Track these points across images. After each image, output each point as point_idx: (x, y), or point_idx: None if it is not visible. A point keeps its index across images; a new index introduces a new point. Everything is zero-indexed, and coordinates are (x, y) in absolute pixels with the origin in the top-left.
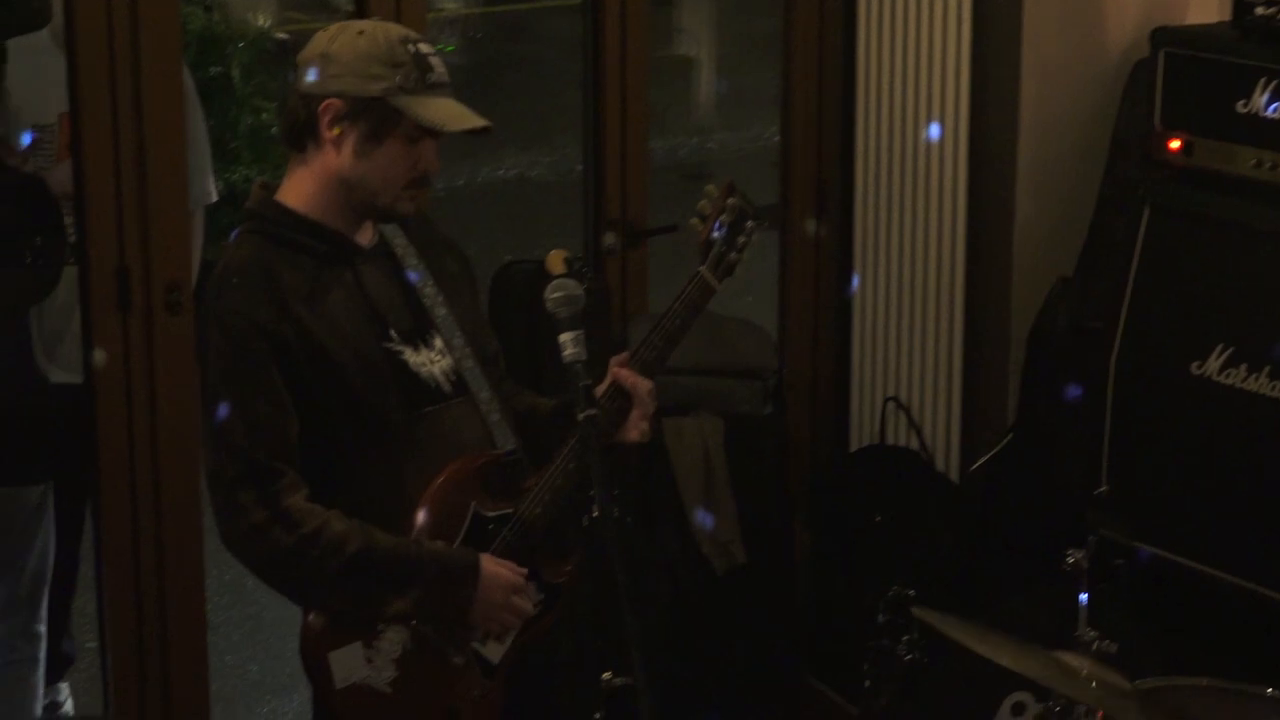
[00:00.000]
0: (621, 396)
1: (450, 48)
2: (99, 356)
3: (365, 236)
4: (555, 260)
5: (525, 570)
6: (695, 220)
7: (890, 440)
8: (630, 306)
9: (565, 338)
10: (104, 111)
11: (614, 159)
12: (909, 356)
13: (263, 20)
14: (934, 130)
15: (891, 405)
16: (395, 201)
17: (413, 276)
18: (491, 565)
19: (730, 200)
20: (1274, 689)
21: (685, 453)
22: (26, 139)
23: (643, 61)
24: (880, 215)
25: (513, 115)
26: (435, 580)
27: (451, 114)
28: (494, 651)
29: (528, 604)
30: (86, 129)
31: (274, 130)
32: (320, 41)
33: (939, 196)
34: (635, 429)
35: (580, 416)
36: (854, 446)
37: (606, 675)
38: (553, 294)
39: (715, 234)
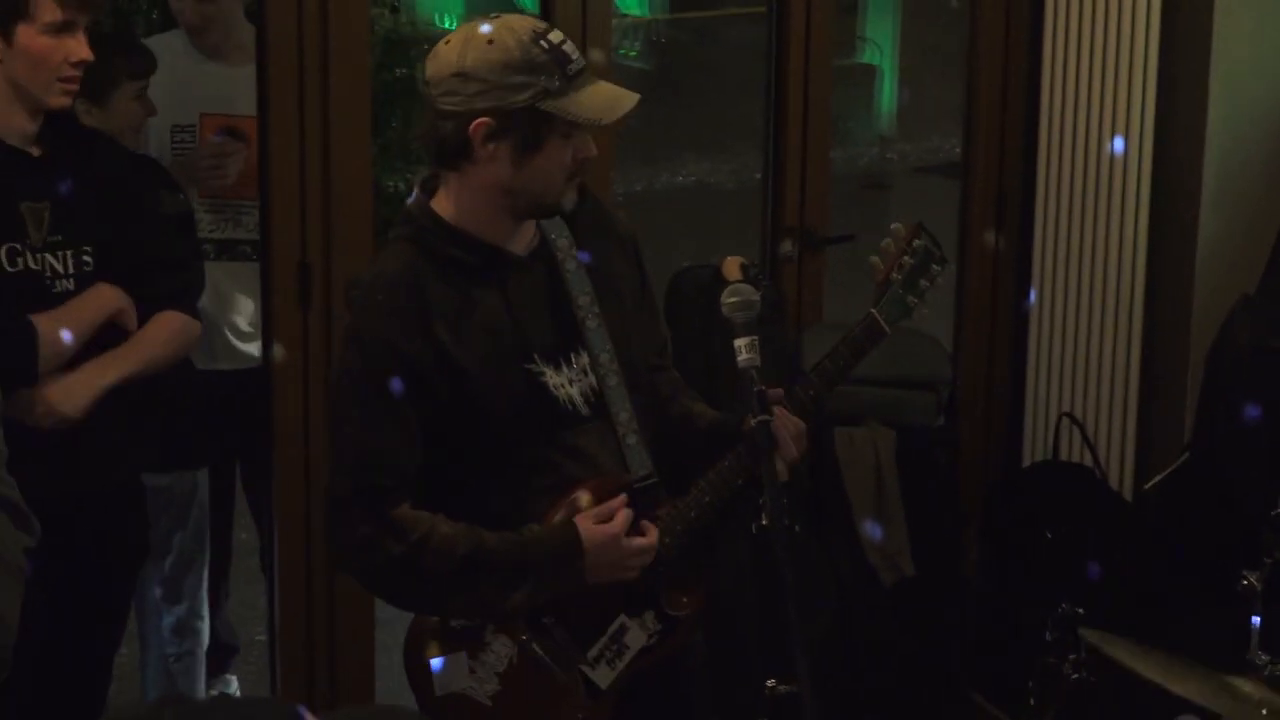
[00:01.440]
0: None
1: (633, 53)
2: (279, 351)
3: (523, 241)
4: (732, 266)
5: (625, 509)
6: (875, 259)
7: (1064, 456)
8: (805, 314)
9: (740, 343)
10: (291, 110)
11: (794, 166)
12: (1085, 372)
13: (448, 22)
14: (1118, 144)
15: (1066, 421)
16: (559, 197)
17: (568, 284)
18: (590, 525)
19: (917, 242)
20: None
21: (856, 462)
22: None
23: (825, 69)
24: (1060, 229)
25: (694, 122)
26: (544, 561)
27: (603, 102)
28: (603, 676)
29: (647, 542)
30: (274, 128)
31: None
32: (449, 58)
33: (1120, 211)
34: (783, 448)
35: (753, 421)
36: (1026, 462)
37: (771, 682)
38: (729, 299)
39: (895, 275)
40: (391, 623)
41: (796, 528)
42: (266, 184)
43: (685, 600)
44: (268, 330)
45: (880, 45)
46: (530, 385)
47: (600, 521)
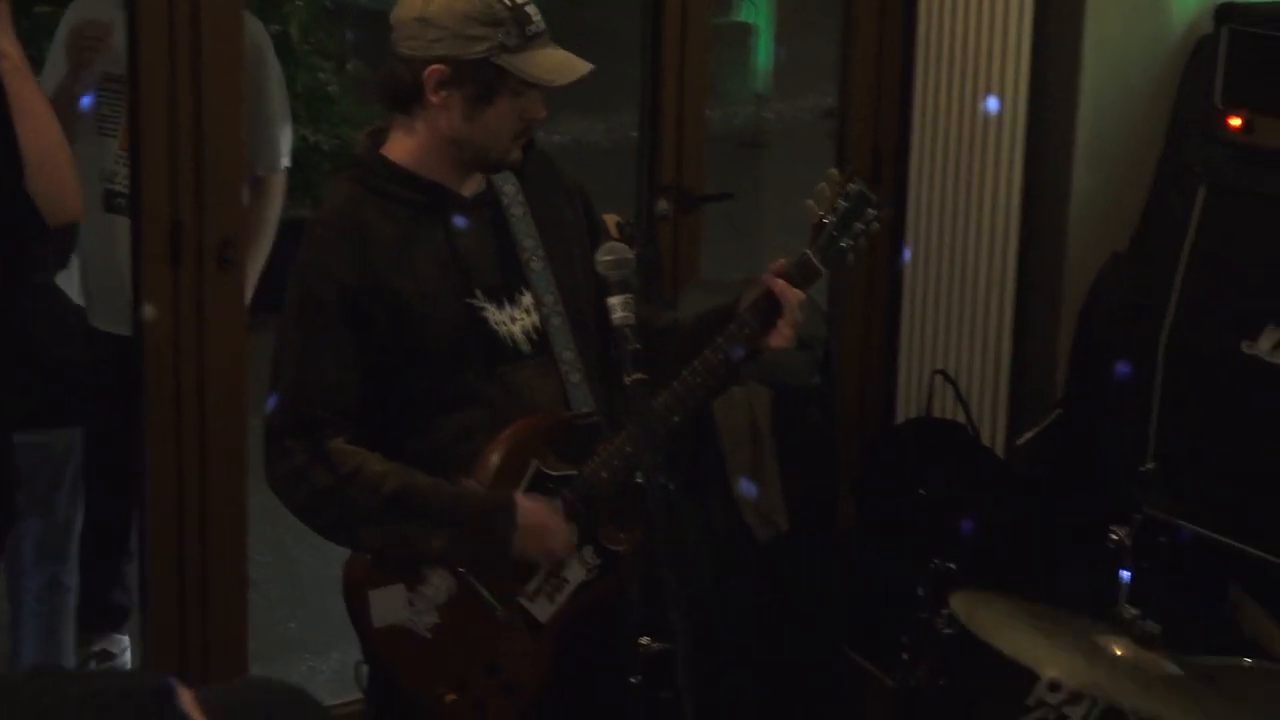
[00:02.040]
0: (771, 303)
1: None
2: (149, 311)
3: (470, 186)
4: (608, 224)
5: (564, 510)
6: (810, 202)
7: (937, 413)
8: (682, 273)
9: (614, 301)
10: (161, 66)
11: (670, 125)
12: (958, 329)
13: None
14: (992, 103)
15: (939, 378)
16: (505, 154)
17: (513, 227)
18: (528, 502)
19: (851, 186)
20: None
21: (733, 422)
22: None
23: (702, 27)
24: (934, 187)
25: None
26: (472, 517)
27: (556, 65)
28: (542, 610)
29: (570, 539)
30: (144, 83)
31: (330, 89)
32: (415, 3)
33: (995, 170)
34: (781, 335)
35: (628, 381)
36: (900, 419)
37: (645, 640)
38: (603, 257)
39: (829, 218)
40: (265, 583)
41: (672, 486)
42: (137, 139)
43: (623, 536)
44: (138, 289)
45: (756, 3)
46: (470, 318)
47: (541, 505)
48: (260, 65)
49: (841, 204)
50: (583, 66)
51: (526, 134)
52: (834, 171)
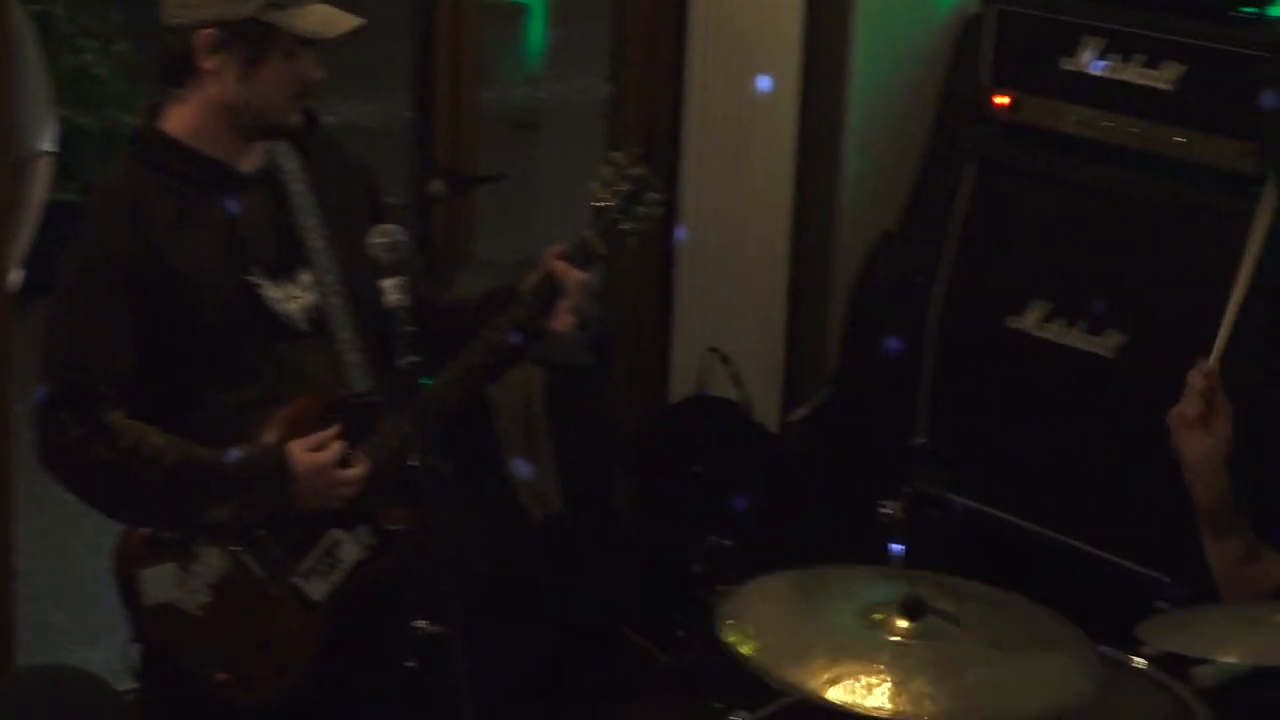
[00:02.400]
0: (553, 285)
1: None
2: None
3: (250, 161)
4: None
5: (338, 440)
6: (596, 185)
7: (711, 391)
8: (457, 254)
9: (388, 283)
10: None
11: (443, 106)
12: (731, 308)
13: None
14: (764, 83)
15: (713, 356)
16: (284, 116)
17: (294, 205)
18: (300, 452)
19: (634, 170)
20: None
21: (507, 402)
22: None
23: (474, 7)
24: (707, 167)
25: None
26: (251, 480)
27: (327, 19)
28: (317, 588)
29: (356, 473)
30: None
31: (96, 71)
32: None
33: (767, 149)
34: (561, 320)
35: (401, 364)
36: (675, 397)
37: (421, 623)
38: (376, 239)
39: (612, 201)
40: (33, 574)
41: (446, 468)
42: None
43: (401, 516)
44: None
45: None
46: (247, 295)
47: (313, 449)
48: (18, 46)
49: (624, 187)
50: (353, 20)
51: (304, 97)
52: (617, 154)
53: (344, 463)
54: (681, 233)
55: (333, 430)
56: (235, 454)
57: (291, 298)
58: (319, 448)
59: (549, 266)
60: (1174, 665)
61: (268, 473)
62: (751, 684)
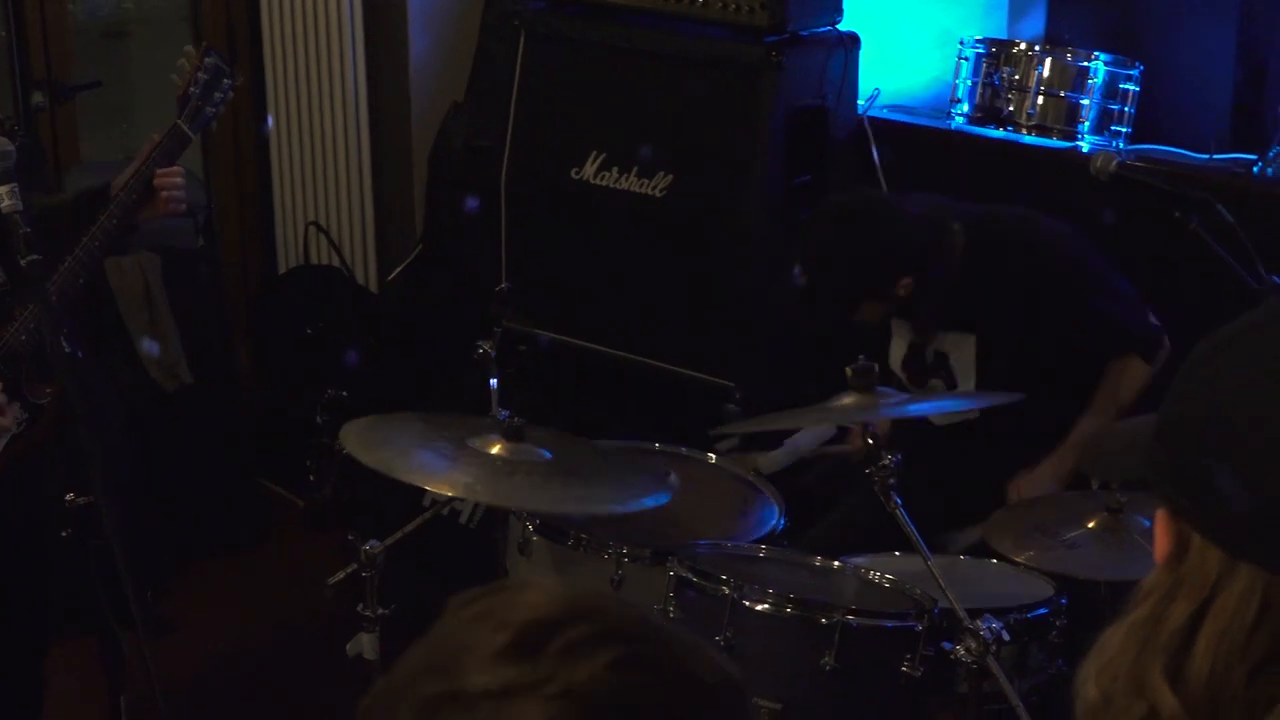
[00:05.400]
0: (149, 176)
1: None
2: None
3: None
4: None
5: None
6: (175, 77)
7: (314, 261)
8: (64, 159)
9: (2, 190)
10: None
11: (35, 19)
12: (325, 184)
13: None
14: None
15: (314, 229)
16: None
17: None
18: None
19: (208, 60)
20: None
21: (127, 288)
22: None
23: None
24: (288, 59)
25: None
26: None
27: None
28: None
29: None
30: None
31: None
32: None
33: (339, 37)
34: (161, 205)
35: (24, 262)
36: (282, 269)
37: (70, 496)
38: None
39: (193, 89)
40: None
41: (78, 352)
42: None
43: (47, 390)
44: None
45: None
46: None
47: None
48: None
49: (202, 76)
50: None
51: None
52: (190, 49)
53: None
54: (271, 121)
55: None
56: None
57: None
58: None
59: (144, 157)
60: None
61: None
62: (381, 517)
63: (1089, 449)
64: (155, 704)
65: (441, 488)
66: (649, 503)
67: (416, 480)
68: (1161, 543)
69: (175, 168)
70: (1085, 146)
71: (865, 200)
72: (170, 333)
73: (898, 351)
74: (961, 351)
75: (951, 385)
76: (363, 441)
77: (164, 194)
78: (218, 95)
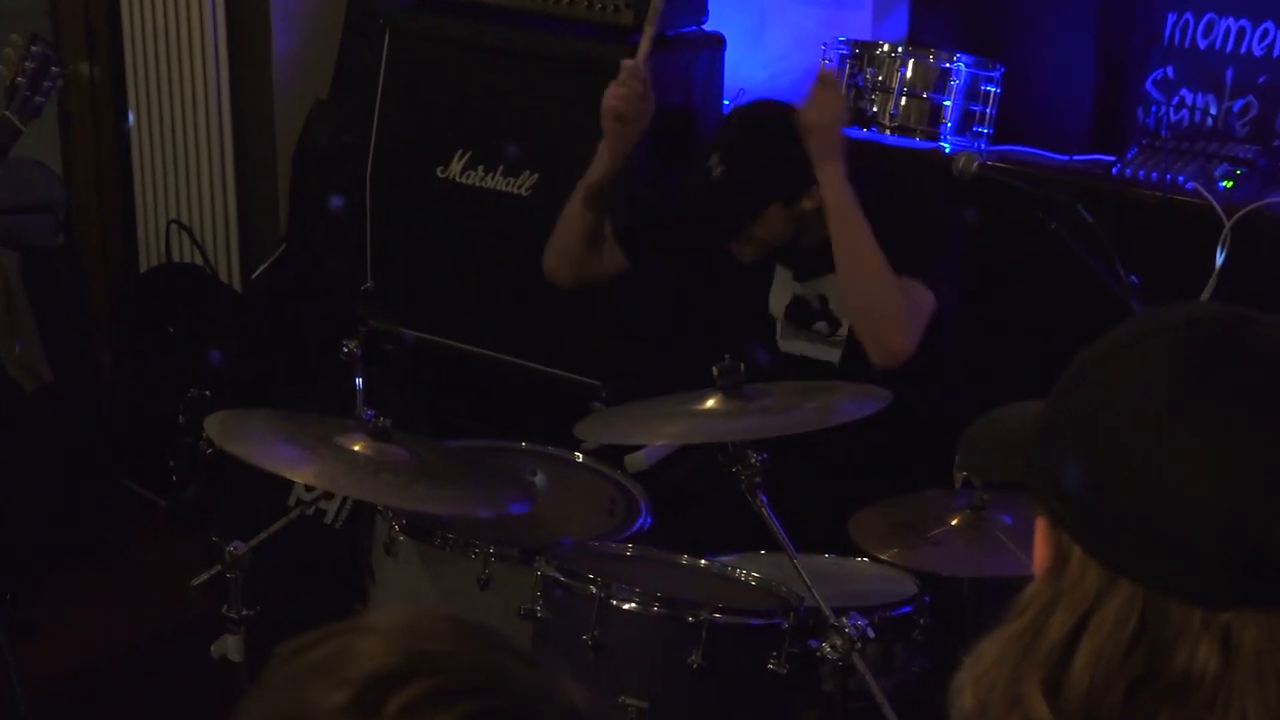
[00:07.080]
0: None
1: None
2: None
3: None
4: None
5: None
6: (2, 68)
7: (177, 259)
8: None
9: None
10: None
11: None
12: (188, 182)
13: None
14: None
15: (176, 227)
16: None
17: None
18: None
19: (35, 48)
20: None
21: None
22: None
23: None
24: (149, 55)
25: None
26: None
27: None
28: None
29: None
30: None
31: None
32: None
33: (201, 33)
34: None
35: None
36: (144, 268)
37: None
38: None
39: (20, 79)
40: None
41: None
42: None
43: None
44: None
45: None
46: None
47: None
48: None
49: (29, 65)
50: None
51: None
52: (15, 37)
53: None
54: (132, 117)
55: None
56: None
57: None
58: None
59: None
60: (611, 456)
61: None
62: (245, 518)
63: (961, 443)
64: (17, 707)
65: (307, 478)
66: (515, 509)
67: (282, 471)
68: (1041, 554)
69: None
70: (948, 147)
71: (794, 110)
72: (30, 332)
73: (780, 298)
74: (841, 294)
75: (835, 327)
76: (226, 432)
77: None
78: (46, 84)
